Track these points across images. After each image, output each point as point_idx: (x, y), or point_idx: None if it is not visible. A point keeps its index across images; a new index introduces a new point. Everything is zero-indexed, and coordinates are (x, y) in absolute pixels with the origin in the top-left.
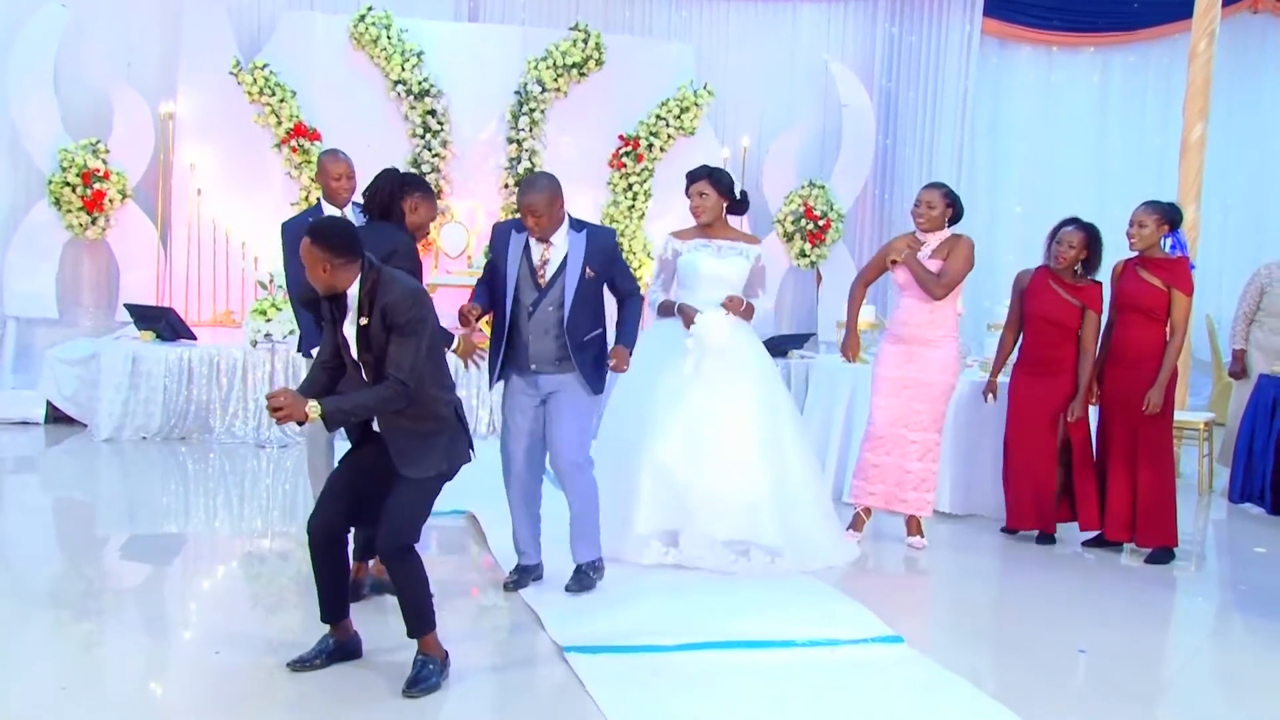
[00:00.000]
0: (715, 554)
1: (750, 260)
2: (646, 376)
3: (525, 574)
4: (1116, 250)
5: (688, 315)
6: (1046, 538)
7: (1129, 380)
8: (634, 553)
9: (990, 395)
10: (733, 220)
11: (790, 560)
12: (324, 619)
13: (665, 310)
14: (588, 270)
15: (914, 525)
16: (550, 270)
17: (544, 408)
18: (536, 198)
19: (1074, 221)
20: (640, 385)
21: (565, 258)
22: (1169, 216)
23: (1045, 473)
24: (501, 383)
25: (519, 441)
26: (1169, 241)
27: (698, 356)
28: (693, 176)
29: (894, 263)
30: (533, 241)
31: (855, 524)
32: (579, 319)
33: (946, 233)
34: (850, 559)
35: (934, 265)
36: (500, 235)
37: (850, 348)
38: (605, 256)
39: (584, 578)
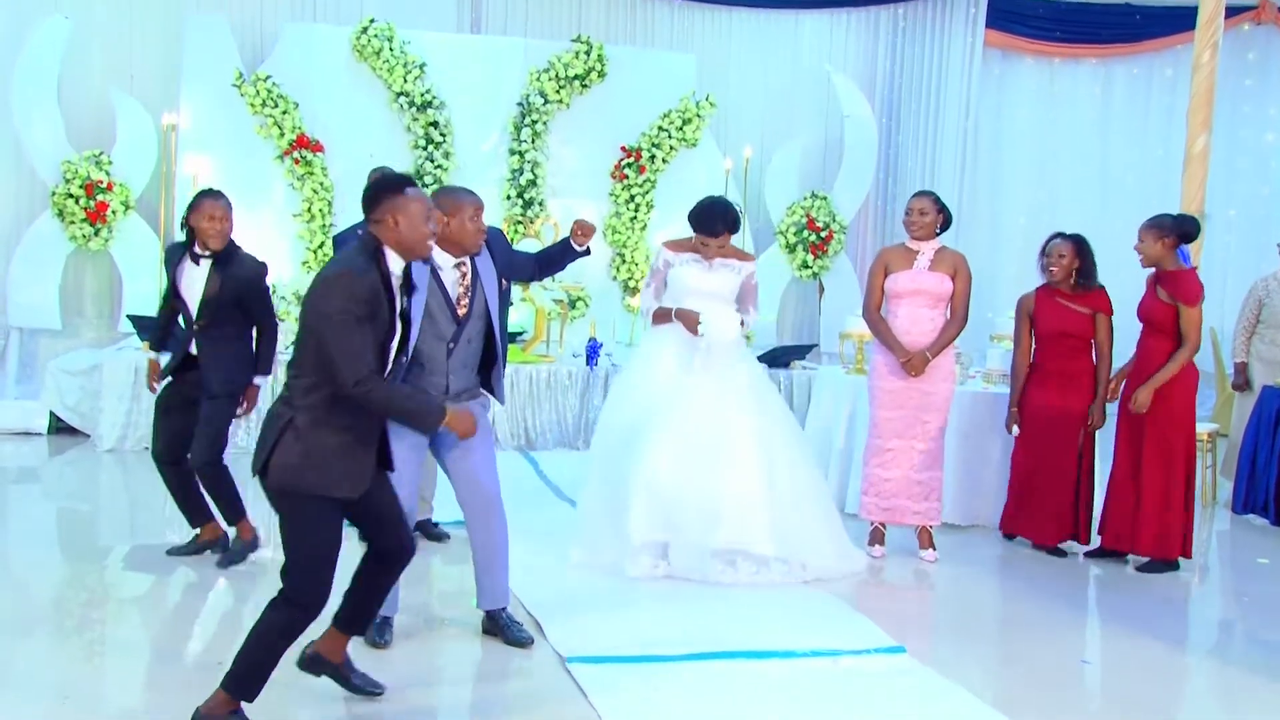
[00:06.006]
0: (705, 565)
1: (741, 276)
2: (640, 386)
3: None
4: (1120, 261)
5: (690, 319)
6: (1056, 550)
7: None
8: (628, 565)
9: (1015, 425)
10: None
11: (782, 570)
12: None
13: (660, 318)
14: (503, 282)
15: (925, 538)
16: (469, 299)
17: (435, 445)
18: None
19: (1059, 235)
20: (634, 395)
21: (478, 281)
22: (1169, 230)
23: (1063, 487)
24: None
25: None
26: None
27: (708, 354)
28: (717, 227)
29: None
30: (443, 270)
31: (878, 539)
32: (502, 335)
33: (938, 242)
34: (853, 569)
35: (934, 277)
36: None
37: (914, 363)
38: (504, 257)
39: (517, 628)
